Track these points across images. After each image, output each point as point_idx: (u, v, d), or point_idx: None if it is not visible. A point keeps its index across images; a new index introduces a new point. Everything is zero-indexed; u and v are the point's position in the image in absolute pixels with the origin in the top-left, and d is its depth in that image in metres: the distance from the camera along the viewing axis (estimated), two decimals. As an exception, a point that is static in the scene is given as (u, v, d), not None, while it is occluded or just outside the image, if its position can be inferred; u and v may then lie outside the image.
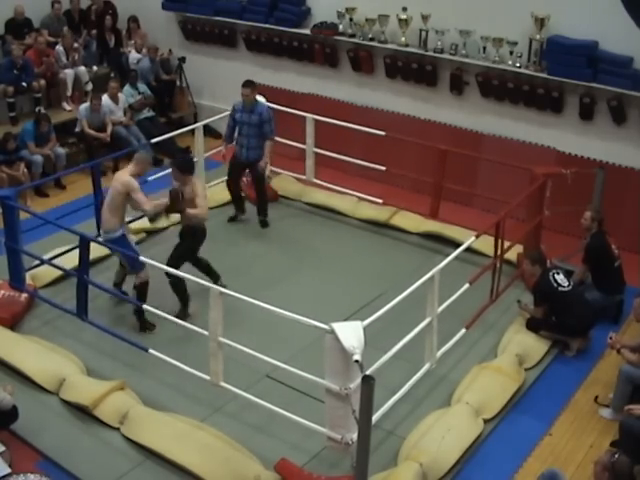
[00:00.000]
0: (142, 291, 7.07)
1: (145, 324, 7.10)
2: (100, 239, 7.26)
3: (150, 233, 8.92)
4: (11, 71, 10.57)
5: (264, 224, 9.17)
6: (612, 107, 8.57)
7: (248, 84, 8.72)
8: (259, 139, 8.76)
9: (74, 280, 7.01)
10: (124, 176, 7.02)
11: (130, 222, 8.60)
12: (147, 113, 11.41)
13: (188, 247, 7.33)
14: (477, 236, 7.08)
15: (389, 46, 9.92)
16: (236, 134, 8.95)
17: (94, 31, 12.06)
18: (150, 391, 6.38)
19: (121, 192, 6.95)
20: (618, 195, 8.47)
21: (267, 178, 9.60)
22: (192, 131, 9.55)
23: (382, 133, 9.07)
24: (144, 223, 8.78)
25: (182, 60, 12.07)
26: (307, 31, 10.59)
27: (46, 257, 7.68)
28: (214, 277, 7.50)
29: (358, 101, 10.47)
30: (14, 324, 7.16)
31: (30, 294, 7.46)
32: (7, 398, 5.68)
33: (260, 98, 9.57)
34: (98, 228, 8.30)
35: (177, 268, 6.91)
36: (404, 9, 9.56)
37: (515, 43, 8.94)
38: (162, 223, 8.96)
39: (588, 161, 8.76)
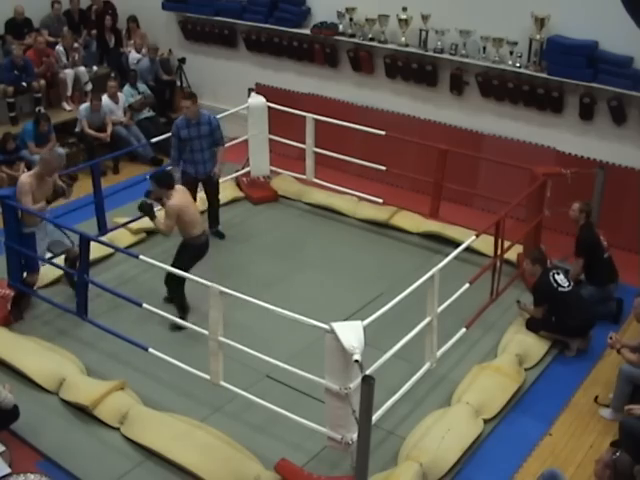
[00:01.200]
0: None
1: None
2: (100, 238, 7.30)
3: (150, 233, 8.90)
4: (11, 71, 10.57)
5: (221, 235, 8.89)
6: (612, 107, 8.57)
7: (190, 96, 8.35)
8: (211, 150, 8.42)
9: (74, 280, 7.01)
10: (22, 175, 7.13)
11: (130, 222, 8.62)
12: (147, 113, 11.42)
13: (179, 261, 7.07)
14: (477, 235, 7.08)
15: (389, 46, 9.92)
16: (185, 153, 8.38)
17: (94, 31, 12.07)
18: (150, 391, 6.38)
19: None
20: (618, 195, 8.46)
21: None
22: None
23: (382, 133, 9.07)
24: (144, 223, 8.76)
25: (182, 61, 12.07)
26: (307, 31, 10.59)
27: (46, 257, 7.67)
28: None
29: (358, 101, 10.47)
30: (8, 323, 7.16)
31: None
32: (8, 397, 5.69)
33: (260, 98, 9.59)
34: (99, 227, 8.32)
35: (177, 283, 6.98)
36: (404, 9, 9.56)
37: (515, 43, 8.94)
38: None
39: (588, 161, 8.75)
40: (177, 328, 6.96)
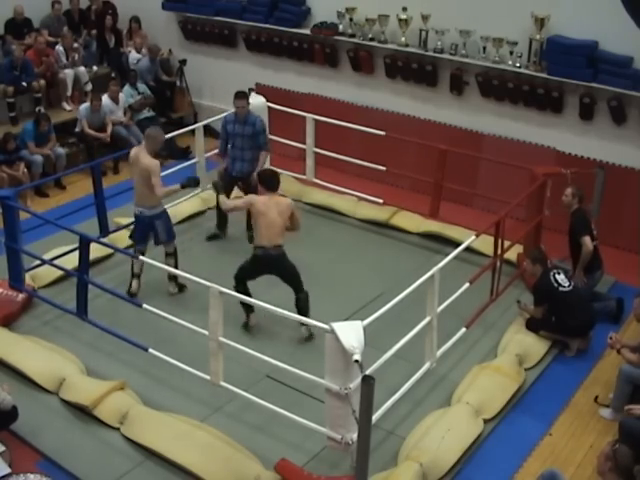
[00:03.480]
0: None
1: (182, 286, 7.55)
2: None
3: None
4: (11, 71, 10.57)
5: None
6: (612, 107, 8.57)
7: (241, 95, 8.35)
8: (253, 151, 8.41)
9: (74, 280, 7.01)
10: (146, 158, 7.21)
11: (132, 224, 8.61)
12: (147, 113, 11.41)
13: (242, 267, 7.02)
14: (477, 235, 7.09)
15: (389, 46, 9.92)
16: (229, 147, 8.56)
17: (94, 31, 12.06)
18: (150, 391, 6.38)
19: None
20: (618, 195, 8.47)
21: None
22: (192, 131, 9.54)
23: (382, 133, 9.07)
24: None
25: (183, 62, 12.06)
26: (307, 31, 10.59)
27: (46, 257, 7.68)
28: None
29: (358, 101, 10.47)
30: (8, 324, 7.15)
31: (29, 294, 7.46)
32: (7, 398, 5.69)
33: (260, 98, 9.59)
34: (100, 228, 8.32)
35: (240, 281, 6.92)
36: (404, 9, 9.56)
37: (515, 43, 8.94)
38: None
39: (588, 161, 8.76)
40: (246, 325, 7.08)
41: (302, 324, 6.74)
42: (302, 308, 6.84)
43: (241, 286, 6.94)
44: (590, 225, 7.54)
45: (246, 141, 8.38)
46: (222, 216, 8.81)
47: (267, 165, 8.85)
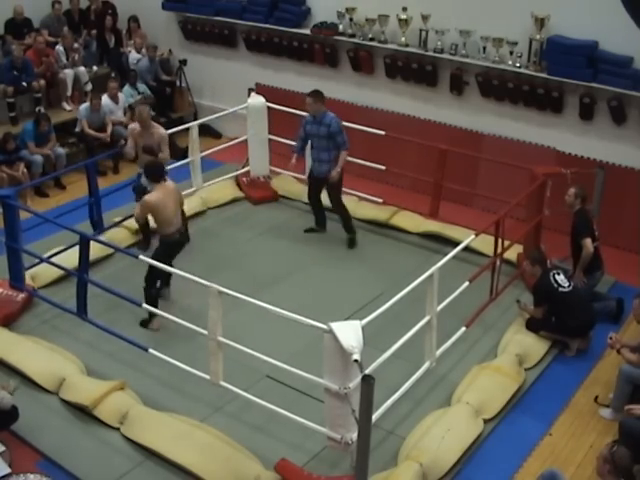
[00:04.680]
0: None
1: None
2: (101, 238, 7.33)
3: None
4: (11, 71, 10.56)
5: (352, 243, 8.77)
6: (612, 107, 8.57)
7: (312, 94, 8.33)
8: (329, 152, 8.37)
9: (74, 280, 7.02)
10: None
11: (125, 220, 8.60)
12: (147, 113, 11.40)
13: (155, 257, 6.94)
14: (477, 234, 7.08)
15: (389, 46, 9.92)
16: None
17: (94, 31, 12.06)
18: (150, 391, 6.38)
19: None
20: (618, 195, 8.47)
21: (266, 178, 9.58)
22: (192, 131, 9.52)
23: (382, 133, 9.07)
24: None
25: (183, 63, 12.05)
26: (307, 31, 10.60)
27: (46, 256, 7.67)
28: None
29: (358, 101, 10.47)
30: (8, 323, 7.15)
31: (29, 293, 7.46)
32: (7, 397, 5.69)
33: (259, 98, 9.58)
34: (94, 227, 8.30)
35: (153, 278, 6.97)
36: (404, 9, 9.56)
37: (515, 43, 8.94)
38: None
39: (588, 161, 8.75)
40: (146, 323, 7.17)
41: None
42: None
43: (153, 287, 7.03)
44: (592, 226, 7.53)
45: (322, 141, 8.36)
46: (316, 212, 8.92)
47: (292, 163, 8.92)
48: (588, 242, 7.37)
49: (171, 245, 7.13)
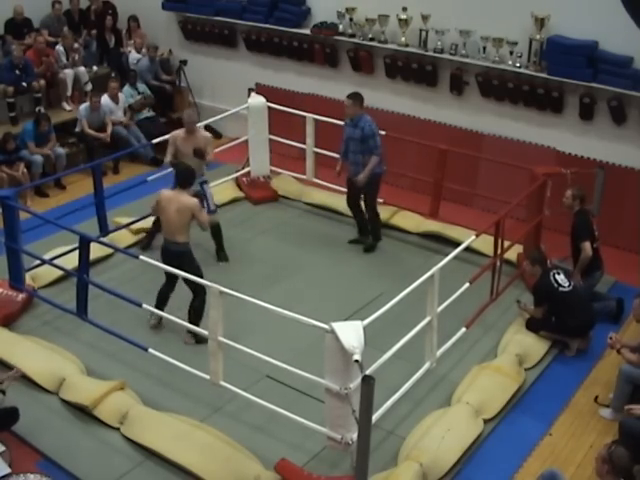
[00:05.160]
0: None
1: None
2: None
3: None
4: (11, 71, 10.56)
5: (370, 248, 8.66)
6: (612, 107, 8.57)
7: (351, 96, 8.20)
8: (364, 155, 8.19)
9: (74, 280, 7.01)
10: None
11: (132, 223, 8.63)
12: (147, 113, 11.42)
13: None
14: (477, 235, 7.08)
15: (389, 46, 9.92)
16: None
17: (94, 31, 12.06)
18: (150, 391, 6.38)
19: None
20: (618, 195, 8.47)
21: (268, 178, 9.55)
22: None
23: (382, 133, 9.05)
24: (144, 223, 8.77)
25: (184, 63, 12.04)
26: (307, 31, 10.59)
27: (46, 257, 7.68)
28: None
29: (358, 101, 10.46)
30: (8, 323, 7.15)
31: (29, 294, 7.46)
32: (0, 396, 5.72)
33: (260, 98, 9.58)
34: (100, 228, 8.31)
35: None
36: (404, 9, 9.56)
37: (515, 43, 8.94)
38: None
39: (588, 161, 8.75)
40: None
41: (188, 331, 6.75)
42: (191, 314, 6.76)
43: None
44: (592, 227, 7.52)
45: (356, 144, 8.23)
46: (361, 222, 8.77)
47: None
48: (587, 246, 7.38)
49: (161, 249, 6.97)
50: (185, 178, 6.88)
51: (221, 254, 8.38)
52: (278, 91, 10.93)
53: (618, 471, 4.75)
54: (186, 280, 6.59)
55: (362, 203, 8.62)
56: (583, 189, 7.58)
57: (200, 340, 6.63)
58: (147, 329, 6.96)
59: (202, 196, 7.52)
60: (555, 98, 8.93)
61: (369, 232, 8.74)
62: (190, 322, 6.65)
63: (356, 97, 8.20)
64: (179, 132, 7.98)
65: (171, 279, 6.96)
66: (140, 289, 7.52)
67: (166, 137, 9.31)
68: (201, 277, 6.56)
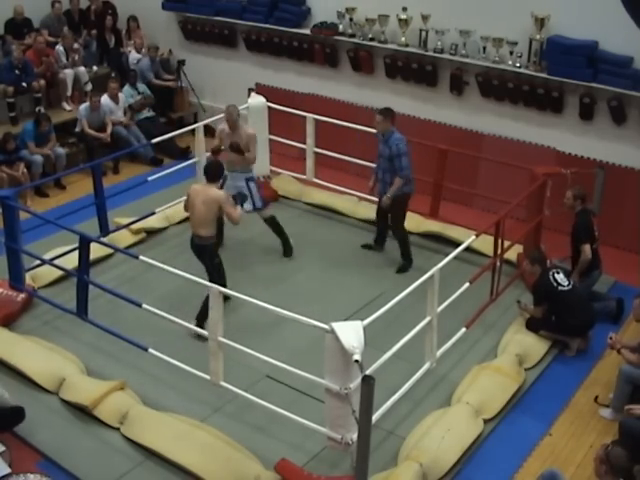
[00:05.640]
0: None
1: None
2: None
3: (150, 233, 8.92)
4: (11, 71, 10.56)
5: (402, 269, 8.22)
6: (612, 107, 8.57)
7: (381, 111, 7.91)
8: (391, 174, 7.87)
9: (74, 280, 7.01)
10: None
11: (132, 223, 8.63)
12: (147, 113, 11.42)
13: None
14: (477, 235, 7.09)
15: (389, 46, 9.92)
16: None
17: (94, 31, 12.06)
18: (150, 391, 6.38)
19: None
20: (618, 195, 8.47)
21: (265, 178, 9.55)
22: (192, 131, 9.53)
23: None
24: (144, 223, 8.78)
25: (182, 63, 12.05)
26: (307, 31, 10.59)
27: (46, 257, 7.68)
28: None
29: (358, 101, 10.47)
30: (8, 323, 7.15)
31: (29, 294, 7.46)
32: (5, 395, 5.71)
33: (260, 97, 9.58)
34: (101, 228, 8.31)
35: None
36: (404, 9, 9.56)
37: (515, 43, 8.94)
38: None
39: (588, 161, 8.76)
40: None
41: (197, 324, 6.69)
42: (202, 309, 6.66)
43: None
44: (593, 229, 7.51)
45: (385, 162, 7.92)
46: (381, 231, 8.54)
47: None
48: (587, 249, 7.39)
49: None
50: (212, 172, 6.91)
51: (286, 249, 8.43)
52: (278, 91, 10.93)
53: (616, 471, 4.75)
54: (212, 272, 6.86)
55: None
56: (583, 189, 7.58)
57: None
58: (147, 329, 6.95)
59: (245, 194, 7.39)
60: (555, 98, 8.93)
61: (384, 243, 8.50)
62: (199, 317, 6.73)
63: (387, 113, 7.87)
64: (225, 126, 7.98)
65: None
66: (140, 289, 7.53)
67: (166, 137, 9.43)
68: (222, 274, 6.84)
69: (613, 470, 4.75)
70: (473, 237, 7.07)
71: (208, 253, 6.95)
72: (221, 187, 7.39)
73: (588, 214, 7.56)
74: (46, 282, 7.83)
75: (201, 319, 6.72)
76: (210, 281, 6.66)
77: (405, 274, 8.01)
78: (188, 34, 12.08)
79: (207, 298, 6.56)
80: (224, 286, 6.53)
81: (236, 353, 5.98)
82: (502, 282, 7.40)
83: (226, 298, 6.35)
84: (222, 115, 9.74)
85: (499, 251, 7.25)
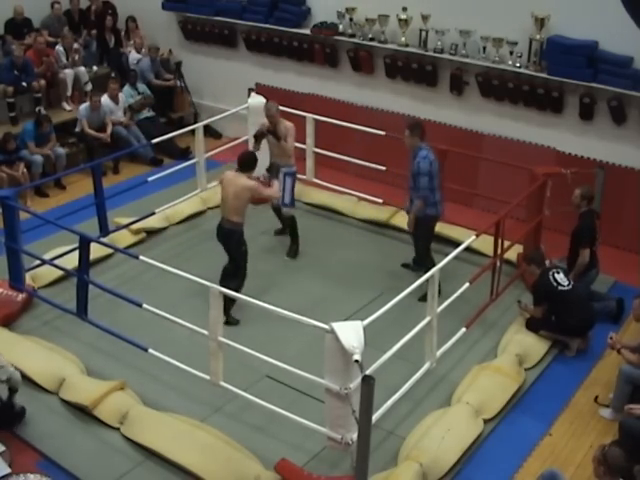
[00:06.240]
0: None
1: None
2: None
3: (150, 233, 8.92)
4: (11, 71, 10.57)
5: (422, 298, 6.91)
6: (612, 107, 8.57)
7: (409, 126, 7.50)
8: (415, 192, 7.48)
9: (74, 280, 7.02)
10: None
11: (132, 223, 8.63)
12: (147, 113, 11.42)
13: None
14: (477, 235, 7.08)
15: (389, 46, 9.92)
16: None
17: (94, 31, 12.06)
18: (150, 391, 6.38)
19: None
20: (618, 195, 8.47)
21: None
22: (192, 131, 9.53)
23: (382, 133, 9.07)
24: (144, 223, 8.78)
25: (179, 64, 12.06)
26: (307, 31, 10.59)
27: (46, 257, 7.68)
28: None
29: (358, 101, 10.47)
30: (8, 323, 7.16)
31: (29, 294, 7.46)
32: (16, 373, 5.79)
33: (260, 98, 9.57)
34: (100, 228, 8.32)
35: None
36: (404, 9, 9.56)
37: (515, 43, 8.94)
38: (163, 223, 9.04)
39: (588, 161, 8.75)
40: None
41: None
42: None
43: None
44: (595, 232, 7.51)
45: (410, 179, 7.55)
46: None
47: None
48: (586, 253, 7.41)
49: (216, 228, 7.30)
50: (244, 161, 7.16)
51: (292, 250, 8.51)
52: (278, 91, 10.92)
53: (615, 471, 4.75)
54: (230, 259, 7.16)
55: None
56: (592, 189, 7.56)
57: (230, 322, 6.89)
58: (147, 329, 6.95)
59: (277, 167, 7.67)
60: (555, 98, 8.93)
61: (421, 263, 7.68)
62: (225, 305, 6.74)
63: (414, 127, 7.49)
64: (266, 120, 8.29)
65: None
66: (140, 289, 7.53)
67: (166, 137, 9.43)
68: (245, 262, 7.14)
69: (611, 470, 4.75)
70: (473, 237, 7.07)
71: (236, 239, 7.14)
72: (270, 177, 7.60)
73: (592, 216, 7.54)
74: (46, 282, 7.83)
75: (227, 309, 6.67)
76: (231, 268, 7.05)
77: (405, 274, 7.99)
78: (188, 34, 12.07)
79: (232, 282, 6.85)
80: (244, 276, 7.09)
81: (236, 353, 5.98)
82: (502, 282, 7.40)
83: (231, 302, 6.43)
84: (222, 115, 9.81)
85: (499, 251, 7.25)
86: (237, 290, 6.75)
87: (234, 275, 7.14)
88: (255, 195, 7.11)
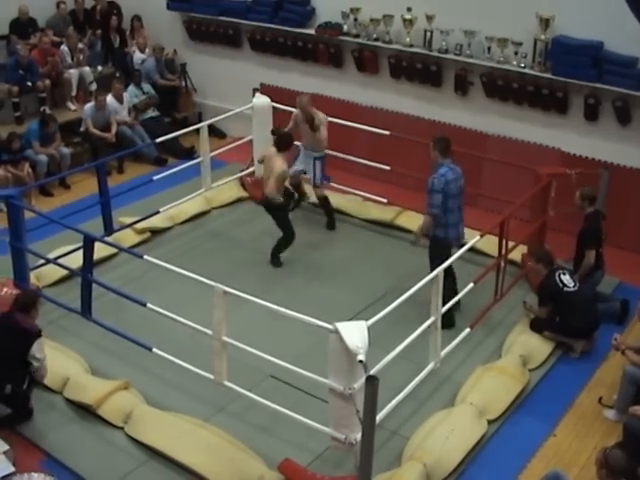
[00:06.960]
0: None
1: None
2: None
3: (155, 233, 8.93)
4: (16, 71, 10.59)
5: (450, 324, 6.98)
6: (617, 108, 8.55)
7: (433, 139, 7.13)
8: (428, 207, 7.09)
9: (79, 279, 7.02)
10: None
11: (136, 222, 8.65)
12: (151, 113, 11.44)
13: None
14: (481, 236, 7.07)
15: (394, 46, 9.91)
16: None
17: (99, 31, 12.09)
18: (154, 390, 6.39)
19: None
20: (623, 196, 8.45)
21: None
22: (197, 131, 9.53)
23: (386, 133, 9.07)
24: (149, 223, 8.79)
25: (183, 66, 12.07)
26: (312, 31, 10.59)
27: (50, 256, 7.70)
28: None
29: (362, 101, 10.47)
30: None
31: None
32: (46, 368, 5.90)
33: (265, 98, 9.58)
34: (105, 227, 8.33)
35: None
36: (409, 9, 9.56)
37: (520, 43, 8.93)
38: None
39: (593, 162, 8.74)
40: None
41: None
42: (275, 245, 8.32)
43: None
44: (600, 234, 7.49)
45: (427, 194, 7.12)
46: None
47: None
48: (591, 254, 7.40)
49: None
50: (281, 142, 8.10)
51: (330, 223, 9.17)
52: (282, 91, 10.92)
53: (617, 473, 4.74)
54: (277, 224, 8.25)
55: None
56: (593, 189, 7.55)
57: (275, 263, 8.31)
58: (151, 328, 6.95)
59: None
60: (560, 98, 8.92)
61: (454, 283, 7.07)
62: (273, 250, 8.29)
63: (436, 142, 7.09)
64: (298, 111, 8.85)
65: None
66: (144, 288, 7.53)
67: (170, 136, 9.44)
68: (289, 223, 8.25)
69: (613, 473, 4.74)
70: (477, 237, 7.06)
71: (275, 207, 8.15)
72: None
73: (598, 218, 7.52)
74: (50, 281, 7.84)
75: (276, 253, 8.30)
76: (282, 230, 8.25)
77: (409, 274, 7.94)
78: (193, 34, 12.09)
79: (281, 238, 8.28)
80: (292, 235, 8.25)
81: (240, 353, 5.98)
82: (506, 282, 7.39)
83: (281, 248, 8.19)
84: (226, 115, 9.83)
85: (503, 251, 7.24)
86: (287, 243, 8.25)
87: (283, 235, 8.25)
88: (279, 180, 7.99)
